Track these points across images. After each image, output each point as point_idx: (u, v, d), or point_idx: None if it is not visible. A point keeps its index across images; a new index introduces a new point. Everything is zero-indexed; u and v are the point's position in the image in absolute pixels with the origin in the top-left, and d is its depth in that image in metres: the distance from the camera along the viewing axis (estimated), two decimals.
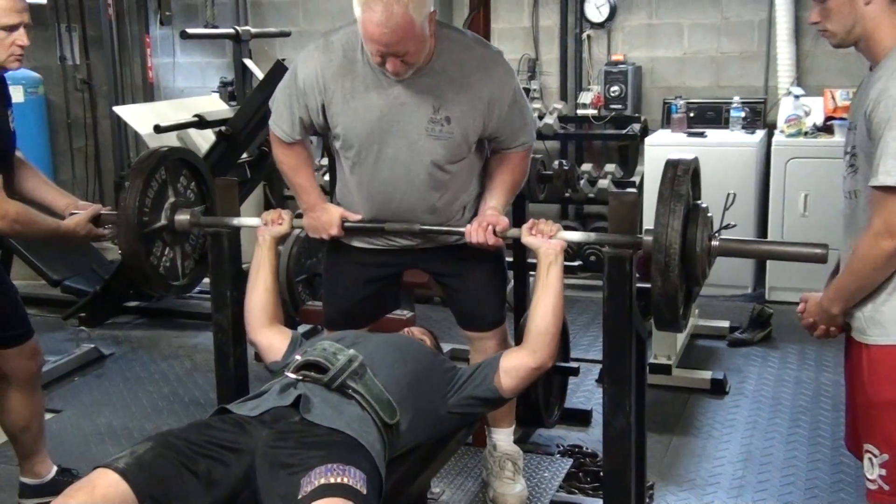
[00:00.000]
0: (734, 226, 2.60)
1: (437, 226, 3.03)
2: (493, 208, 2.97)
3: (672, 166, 2.50)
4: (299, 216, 3.13)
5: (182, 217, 3.10)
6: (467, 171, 3.05)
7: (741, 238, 2.68)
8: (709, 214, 2.55)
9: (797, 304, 2.79)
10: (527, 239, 2.76)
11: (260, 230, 3.03)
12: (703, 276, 2.56)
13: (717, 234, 2.56)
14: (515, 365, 2.73)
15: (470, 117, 2.89)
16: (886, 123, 2.29)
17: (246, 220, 3.08)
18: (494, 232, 2.88)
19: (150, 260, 3.06)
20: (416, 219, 3.03)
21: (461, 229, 2.92)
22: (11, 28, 3.04)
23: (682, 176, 2.47)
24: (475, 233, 2.88)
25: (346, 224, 3.04)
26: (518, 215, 3.90)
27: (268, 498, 2.23)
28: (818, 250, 2.48)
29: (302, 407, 2.42)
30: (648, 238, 2.49)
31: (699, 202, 2.58)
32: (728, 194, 2.58)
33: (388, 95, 2.87)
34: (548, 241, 2.73)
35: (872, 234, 2.36)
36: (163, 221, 3.08)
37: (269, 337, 2.91)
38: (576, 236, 2.92)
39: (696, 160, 2.58)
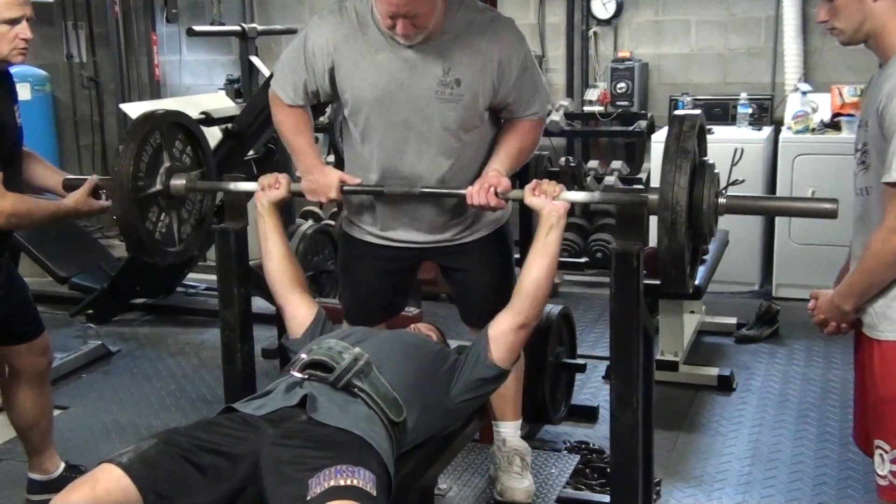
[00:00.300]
0: (742, 181, 2.57)
1: (446, 212, 3.03)
2: (496, 170, 2.90)
3: (678, 122, 2.47)
4: (298, 181, 3.07)
5: (177, 182, 3.05)
6: (478, 143, 3.02)
7: (749, 195, 2.64)
8: (716, 171, 2.52)
9: (804, 300, 2.78)
10: (530, 199, 2.73)
11: (257, 195, 2.99)
12: (711, 234, 2.54)
13: (724, 192, 2.53)
14: (502, 329, 2.72)
15: (480, 80, 2.88)
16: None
17: (243, 185, 3.06)
18: (496, 194, 2.81)
19: (145, 225, 3.00)
20: (422, 220, 3.04)
21: (462, 191, 2.85)
22: (14, 21, 3.04)
23: (689, 131, 2.44)
24: (476, 195, 2.81)
25: (346, 188, 2.97)
26: (525, 210, 3.89)
27: (274, 497, 2.23)
28: (828, 205, 2.44)
29: (308, 406, 2.41)
30: (654, 196, 2.48)
31: (706, 158, 2.55)
32: (735, 149, 2.56)
33: (398, 58, 2.87)
34: (551, 202, 2.71)
35: (886, 231, 2.36)
36: (158, 186, 3.02)
37: (296, 306, 2.91)
38: (580, 196, 2.88)
39: (701, 115, 2.57)
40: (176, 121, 3.16)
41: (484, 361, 2.71)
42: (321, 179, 2.96)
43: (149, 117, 3.04)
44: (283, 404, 2.44)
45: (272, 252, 2.97)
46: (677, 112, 2.52)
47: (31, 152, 3.44)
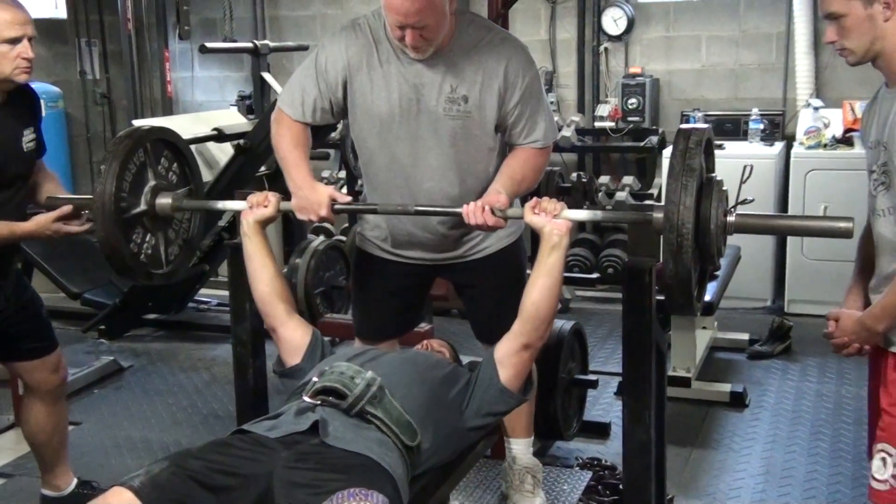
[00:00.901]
0: (752, 200, 2.51)
1: (453, 227, 3.03)
2: (496, 190, 2.85)
3: (684, 137, 2.39)
4: (288, 201, 2.98)
5: (163, 201, 2.95)
6: (487, 161, 3.03)
7: (760, 213, 2.57)
8: (724, 188, 2.44)
9: (817, 316, 2.76)
10: (530, 218, 2.65)
11: (244, 213, 2.86)
12: (719, 254, 2.46)
13: (732, 210, 2.45)
14: (505, 352, 2.67)
15: (486, 97, 2.89)
16: None
17: (230, 204, 2.99)
18: (494, 212, 2.75)
19: (129, 247, 2.90)
20: (431, 241, 3.06)
21: (458, 209, 2.79)
22: (14, 41, 3.01)
23: (695, 148, 2.35)
24: (472, 214, 2.74)
25: (337, 206, 2.91)
26: None
27: None
28: (843, 224, 2.38)
29: (321, 431, 2.38)
30: (659, 214, 2.40)
31: (713, 175, 2.47)
32: (745, 166, 2.50)
33: (408, 73, 2.88)
34: (552, 220, 2.62)
35: None
36: (142, 206, 2.92)
37: (291, 329, 2.81)
38: (581, 214, 2.79)
39: (709, 129, 2.50)
40: (161, 137, 3.08)
41: (497, 386, 2.66)
42: (311, 196, 2.89)
43: (131, 134, 2.96)
44: (294, 429, 2.41)
45: (260, 273, 2.85)
46: (683, 126, 2.44)
47: (49, 174, 3.42)
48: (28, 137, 3.23)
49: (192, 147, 5.35)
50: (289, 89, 3.05)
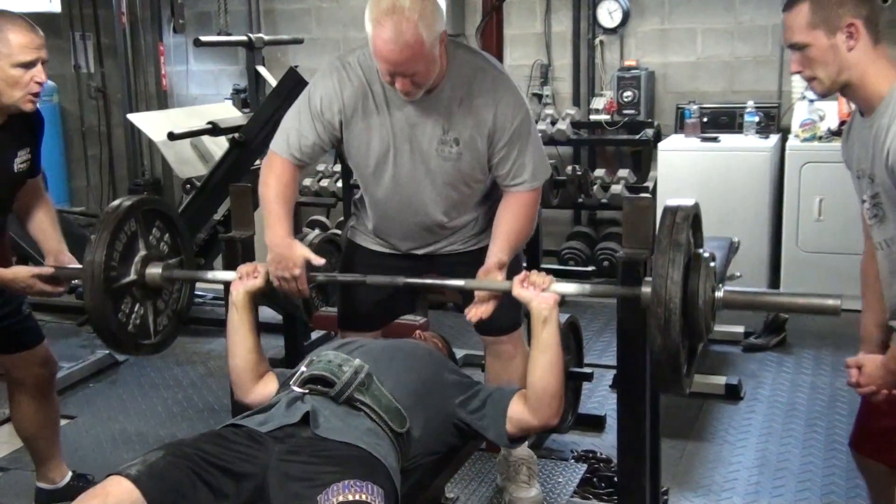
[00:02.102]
0: (739, 276, 2.49)
1: (444, 239, 3.07)
2: (498, 260, 2.85)
3: (671, 213, 2.36)
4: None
5: (153, 271, 2.94)
6: (477, 194, 3.07)
7: (749, 290, 2.54)
8: (712, 264, 2.40)
9: None
10: (517, 292, 2.61)
11: (234, 284, 2.85)
12: (707, 330, 2.41)
13: (721, 285, 2.42)
14: (519, 418, 2.64)
15: (476, 140, 2.90)
16: None
17: (220, 274, 3.00)
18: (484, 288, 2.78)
19: (117, 318, 2.88)
20: (425, 235, 3.10)
21: (458, 283, 2.83)
22: (29, 65, 2.94)
23: (682, 223, 2.33)
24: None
25: (317, 277, 2.93)
26: None
27: None
28: (831, 302, 2.35)
29: (311, 422, 2.40)
30: (647, 290, 2.37)
31: (701, 250, 2.43)
32: (732, 242, 2.48)
33: (401, 116, 2.89)
34: (539, 294, 2.58)
35: None
36: (132, 276, 2.91)
37: (260, 391, 2.78)
38: (570, 288, 2.71)
39: (696, 206, 2.46)
40: (153, 207, 3.05)
41: (499, 430, 2.65)
42: (287, 254, 2.87)
43: (123, 204, 2.92)
44: (285, 421, 2.43)
45: (239, 347, 2.81)
46: (669, 202, 2.40)
47: (44, 199, 3.37)
48: (21, 158, 3.18)
49: (187, 140, 5.40)
50: (283, 133, 3.00)
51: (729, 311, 4.59)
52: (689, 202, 2.43)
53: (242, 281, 2.85)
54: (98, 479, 2.29)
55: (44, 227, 3.33)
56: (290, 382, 2.57)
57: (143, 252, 2.96)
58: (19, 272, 3.11)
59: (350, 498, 2.15)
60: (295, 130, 2.96)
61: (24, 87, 2.95)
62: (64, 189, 7.74)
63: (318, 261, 2.91)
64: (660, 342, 2.28)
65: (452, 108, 2.87)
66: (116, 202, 2.95)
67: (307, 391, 2.50)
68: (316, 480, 2.21)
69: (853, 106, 2.52)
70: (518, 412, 2.63)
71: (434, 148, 2.90)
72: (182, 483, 2.21)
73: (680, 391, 2.43)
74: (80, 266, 3.03)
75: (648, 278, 2.39)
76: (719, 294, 2.40)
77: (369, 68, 2.87)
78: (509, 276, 3.13)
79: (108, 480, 2.19)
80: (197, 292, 6.23)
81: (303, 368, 2.58)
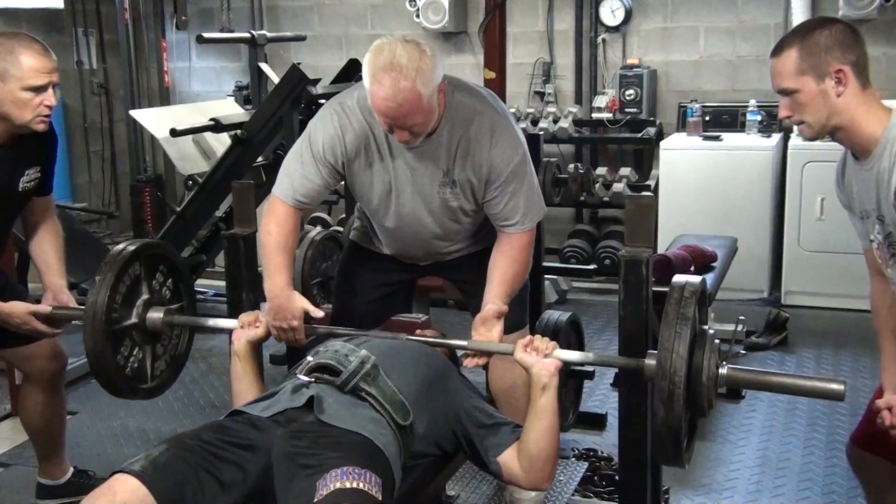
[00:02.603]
0: (744, 354, 2.48)
1: (452, 251, 3.13)
2: (497, 309, 2.83)
3: (679, 287, 2.36)
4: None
5: (154, 315, 2.93)
6: (476, 224, 3.10)
7: (753, 369, 2.51)
8: (716, 342, 2.39)
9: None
10: (519, 356, 2.58)
11: (236, 334, 2.87)
12: (710, 406, 2.40)
13: (724, 363, 2.41)
14: (510, 470, 2.61)
15: (474, 182, 2.90)
16: None
17: (222, 322, 3.01)
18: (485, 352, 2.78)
19: (116, 360, 2.87)
20: (426, 255, 3.15)
21: (461, 343, 2.82)
22: (40, 89, 2.94)
23: (689, 297, 2.32)
24: (471, 363, 2.79)
25: (314, 328, 2.93)
26: None
27: (282, 498, 2.24)
28: (835, 386, 2.33)
29: (315, 407, 2.42)
30: (651, 362, 2.37)
31: (706, 328, 2.43)
32: (738, 320, 2.47)
33: (402, 160, 2.91)
34: (541, 360, 2.55)
35: None
36: (133, 319, 2.90)
37: None
38: (573, 356, 2.69)
39: (703, 282, 2.44)
40: (157, 252, 3.04)
41: (493, 461, 2.63)
42: (286, 305, 2.87)
43: (128, 248, 2.91)
44: (289, 405, 2.45)
45: (244, 396, 2.79)
46: (677, 278, 2.40)
47: (52, 222, 3.36)
48: (29, 177, 3.17)
49: (190, 137, 5.40)
50: (286, 179, 2.97)
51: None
52: (696, 279, 2.42)
53: (244, 330, 2.87)
54: (99, 475, 2.31)
55: (48, 258, 3.31)
56: (297, 371, 2.58)
57: (145, 296, 2.95)
58: (15, 308, 3.08)
59: (347, 485, 2.16)
60: (299, 175, 2.94)
61: (33, 109, 2.95)
62: (66, 185, 7.74)
63: (318, 313, 2.91)
64: (663, 415, 2.27)
65: (451, 151, 2.87)
66: (121, 245, 2.93)
67: (313, 379, 2.51)
68: (316, 467, 2.22)
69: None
70: (511, 464, 2.61)
71: (435, 190, 2.92)
72: (187, 475, 2.23)
73: (679, 464, 2.43)
74: (79, 307, 3.04)
75: (652, 351, 2.38)
76: (723, 371, 2.38)
77: (370, 112, 2.83)
78: (512, 313, 3.12)
79: (114, 479, 2.20)
80: (198, 289, 6.24)
81: (309, 358, 2.60)
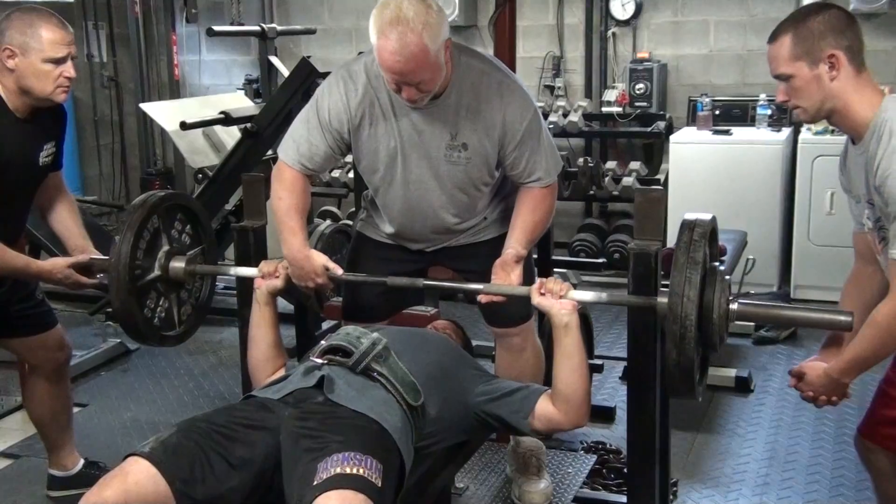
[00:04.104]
0: (754, 295, 2.52)
1: (456, 237, 3.11)
2: (514, 251, 2.88)
3: (688, 229, 2.39)
4: None
5: (177, 265, 3.01)
6: (485, 197, 3.09)
7: (763, 303, 2.57)
8: (727, 277, 2.44)
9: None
10: (537, 300, 2.63)
11: (257, 282, 2.93)
12: (721, 342, 2.45)
13: (734, 297, 2.45)
14: (549, 417, 2.64)
15: (486, 144, 2.90)
16: None
17: (242, 270, 3.05)
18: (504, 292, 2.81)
19: (143, 314, 2.97)
20: (436, 236, 3.11)
21: (476, 287, 2.85)
22: (60, 61, 3.04)
23: (699, 240, 2.36)
24: (485, 298, 2.83)
25: (336, 277, 2.96)
26: None
27: (287, 478, 2.27)
28: (843, 317, 2.37)
29: (326, 387, 2.45)
30: (663, 300, 2.42)
31: (716, 264, 2.47)
32: (748, 259, 2.51)
33: (408, 122, 2.90)
34: (558, 301, 2.59)
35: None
36: (156, 272, 2.98)
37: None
38: (587, 296, 2.71)
39: (713, 220, 2.48)
40: (174, 202, 3.11)
41: (523, 420, 2.66)
42: (306, 266, 2.92)
43: (145, 203, 2.97)
44: (300, 385, 2.49)
45: (260, 341, 2.91)
46: (687, 216, 2.44)
47: (66, 195, 3.44)
48: (47, 151, 3.25)
49: (200, 130, 5.41)
50: (292, 143, 3.00)
51: None
52: (706, 217, 2.45)
53: (265, 280, 2.92)
54: (110, 466, 2.33)
55: (67, 223, 3.40)
56: (310, 355, 2.61)
57: (166, 247, 3.03)
58: (57, 263, 3.19)
59: (347, 471, 2.17)
60: (305, 140, 2.97)
61: (54, 80, 3.05)
62: (76, 178, 7.78)
63: (338, 270, 2.96)
64: (675, 357, 2.32)
65: (459, 113, 2.87)
66: (139, 200, 3.00)
67: (325, 361, 2.55)
68: (318, 449, 2.24)
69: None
70: (548, 411, 2.64)
71: (442, 154, 2.91)
72: (197, 457, 2.26)
73: (692, 398, 2.48)
74: (104, 259, 3.12)
75: (665, 286, 2.41)
76: (734, 307, 2.43)
77: (375, 76, 2.87)
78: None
79: (127, 462, 2.24)
80: None
81: (322, 342, 2.64)
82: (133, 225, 2.90)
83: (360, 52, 3.03)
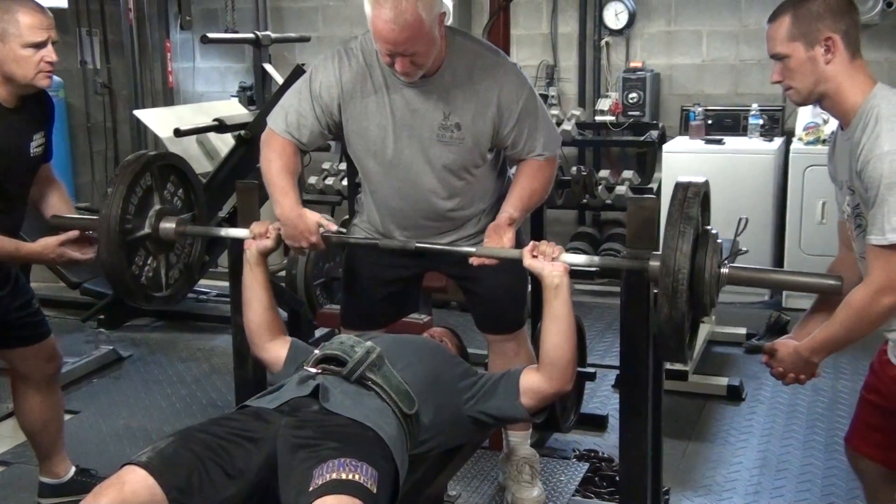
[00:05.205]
0: (746, 251, 2.54)
1: (449, 231, 3.06)
2: (510, 215, 2.90)
3: (682, 188, 2.43)
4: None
5: (167, 225, 3.01)
6: (482, 181, 3.06)
7: (753, 267, 2.59)
8: (719, 241, 2.47)
9: None
10: (528, 262, 2.64)
11: (247, 244, 2.92)
12: (711, 304, 2.47)
13: (727, 262, 2.49)
14: (534, 388, 2.67)
15: (480, 124, 2.91)
16: (880, 182, 2.28)
17: (234, 231, 3.04)
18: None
19: (131, 270, 2.96)
20: (429, 226, 3.07)
21: (467, 249, 2.85)
22: (39, 45, 3.02)
23: (693, 198, 2.40)
24: (476, 260, 2.82)
25: (323, 233, 2.92)
26: (536, 221, 3.90)
27: (284, 486, 2.27)
28: (833, 281, 2.42)
29: (321, 396, 2.45)
30: (655, 263, 2.44)
31: (709, 228, 2.51)
32: (740, 219, 2.54)
33: (401, 100, 2.90)
34: (550, 263, 2.62)
35: (874, 290, 2.33)
36: (146, 230, 2.98)
37: (274, 350, 2.87)
38: (579, 259, 2.74)
39: (706, 183, 2.51)
40: (168, 163, 3.11)
41: (513, 402, 2.67)
42: (300, 225, 2.91)
43: (139, 158, 2.99)
44: (296, 394, 2.49)
45: (253, 303, 2.90)
46: (681, 179, 2.47)
47: (57, 184, 3.44)
48: (37, 142, 3.24)
49: (193, 137, 5.41)
50: (281, 111, 3.02)
51: (732, 313, 4.57)
52: (700, 179, 2.49)
53: (256, 241, 2.91)
54: (102, 473, 2.33)
55: (59, 208, 3.37)
56: (304, 364, 2.61)
57: (157, 206, 3.03)
58: (48, 242, 3.16)
59: (343, 476, 2.18)
60: (294, 110, 2.99)
61: (35, 65, 3.04)
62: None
63: (332, 226, 2.94)
64: (666, 311, 2.34)
65: (454, 92, 2.88)
66: (133, 156, 3.02)
67: (319, 371, 2.55)
68: (314, 456, 2.25)
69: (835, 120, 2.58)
70: (532, 382, 2.67)
71: (435, 133, 2.91)
72: (193, 466, 2.26)
73: (682, 360, 2.52)
74: (93, 218, 3.09)
75: (656, 252, 2.45)
76: (725, 270, 2.47)
77: (370, 52, 2.90)
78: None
79: (123, 470, 2.23)
80: (200, 289, 6.27)
81: (316, 351, 2.64)
82: (126, 178, 2.90)
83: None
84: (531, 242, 2.69)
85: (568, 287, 2.63)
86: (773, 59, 2.49)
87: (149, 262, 3.04)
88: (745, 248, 2.52)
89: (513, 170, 3.13)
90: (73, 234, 3.17)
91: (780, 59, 2.46)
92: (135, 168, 2.94)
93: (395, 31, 2.65)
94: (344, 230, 3.04)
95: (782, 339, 2.69)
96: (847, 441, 2.83)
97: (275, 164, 2.99)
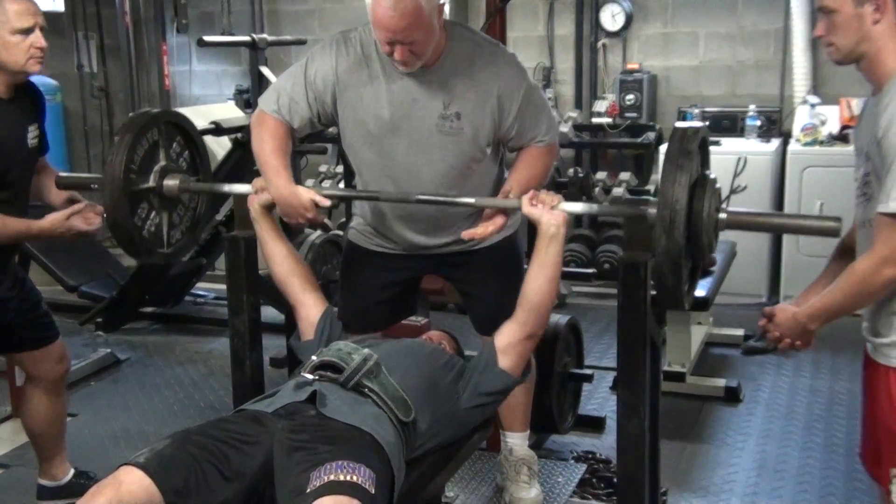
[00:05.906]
0: (745, 188, 2.52)
1: (445, 229, 3.06)
2: (506, 192, 2.90)
3: (682, 130, 2.44)
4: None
5: (171, 182, 3.02)
6: (480, 176, 3.05)
7: (750, 210, 2.58)
8: (717, 186, 2.47)
9: None
10: (527, 209, 2.68)
11: (250, 199, 2.95)
12: (710, 248, 2.48)
13: (724, 207, 2.49)
14: (508, 341, 2.72)
15: (479, 114, 2.90)
16: None
17: (237, 187, 3.06)
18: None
19: (133, 220, 2.95)
20: (424, 219, 3.06)
21: (467, 199, 2.85)
22: (27, 31, 3.05)
23: (692, 136, 2.40)
24: (479, 233, 2.85)
25: (325, 193, 2.91)
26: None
27: (280, 489, 2.26)
28: (831, 223, 2.41)
29: (318, 402, 2.44)
30: (653, 210, 2.45)
31: (708, 172, 2.52)
32: (739, 158, 2.52)
33: (400, 90, 2.90)
34: (549, 211, 2.67)
35: (877, 260, 2.31)
36: (151, 183, 2.99)
37: (309, 307, 2.91)
38: (578, 207, 2.78)
39: (704, 128, 2.52)
40: (175, 121, 3.13)
41: (493, 369, 2.71)
42: (294, 202, 2.90)
43: (146, 113, 3.03)
44: (292, 399, 2.48)
45: (274, 255, 2.95)
46: (679, 124, 2.47)
47: (49, 168, 3.46)
48: (32, 134, 3.26)
49: None
50: (274, 93, 3.02)
51: (729, 314, 4.55)
52: (699, 124, 2.46)
53: (258, 195, 2.94)
54: (100, 476, 2.32)
55: (49, 186, 3.39)
56: (301, 371, 2.61)
57: (162, 162, 3.04)
58: (56, 218, 3.18)
59: (341, 478, 2.17)
60: (287, 93, 2.98)
61: (24, 51, 3.06)
62: None
63: (325, 202, 2.92)
64: (664, 243, 2.34)
65: (453, 82, 2.88)
66: (141, 111, 3.05)
67: (317, 377, 2.54)
68: (311, 459, 2.24)
69: (854, 108, 2.54)
70: (504, 339, 2.73)
71: (434, 123, 2.91)
72: (190, 468, 2.25)
73: (680, 305, 2.51)
74: (97, 175, 3.10)
75: (655, 198, 2.44)
76: (722, 215, 2.47)
77: (368, 44, 2.90)
78: (510, 267, 3.16)
79: (120, 470, 2.23)
80: (198, 292, 6.28)
81: (312, 358, 2.63)
82: (133, 129, 2.92)
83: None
84: (531, 191, 2.72)
85: (563, 238, 2.70)
86: (820, 13, 2.44)
87: (151, 216, 3.05)
88: (743, 185, 2.49)
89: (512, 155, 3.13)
90: (80, 206, 3.22)
91: (827, 14, 2.40)
92: (141, 121, 2.96)
93: (394, 19, 2.65)
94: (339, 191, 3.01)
95: (781, 305, 2.66)
96: (860, 456, 2.78)
97: (267, 143, 2.98)
